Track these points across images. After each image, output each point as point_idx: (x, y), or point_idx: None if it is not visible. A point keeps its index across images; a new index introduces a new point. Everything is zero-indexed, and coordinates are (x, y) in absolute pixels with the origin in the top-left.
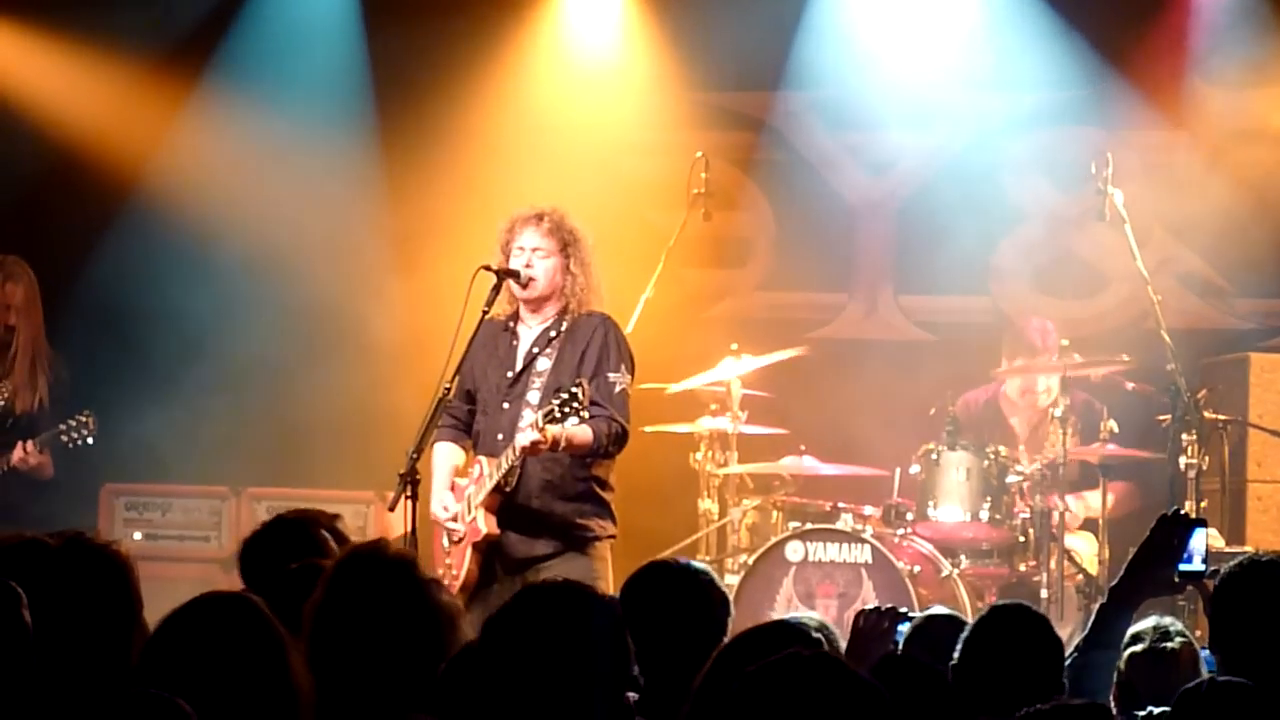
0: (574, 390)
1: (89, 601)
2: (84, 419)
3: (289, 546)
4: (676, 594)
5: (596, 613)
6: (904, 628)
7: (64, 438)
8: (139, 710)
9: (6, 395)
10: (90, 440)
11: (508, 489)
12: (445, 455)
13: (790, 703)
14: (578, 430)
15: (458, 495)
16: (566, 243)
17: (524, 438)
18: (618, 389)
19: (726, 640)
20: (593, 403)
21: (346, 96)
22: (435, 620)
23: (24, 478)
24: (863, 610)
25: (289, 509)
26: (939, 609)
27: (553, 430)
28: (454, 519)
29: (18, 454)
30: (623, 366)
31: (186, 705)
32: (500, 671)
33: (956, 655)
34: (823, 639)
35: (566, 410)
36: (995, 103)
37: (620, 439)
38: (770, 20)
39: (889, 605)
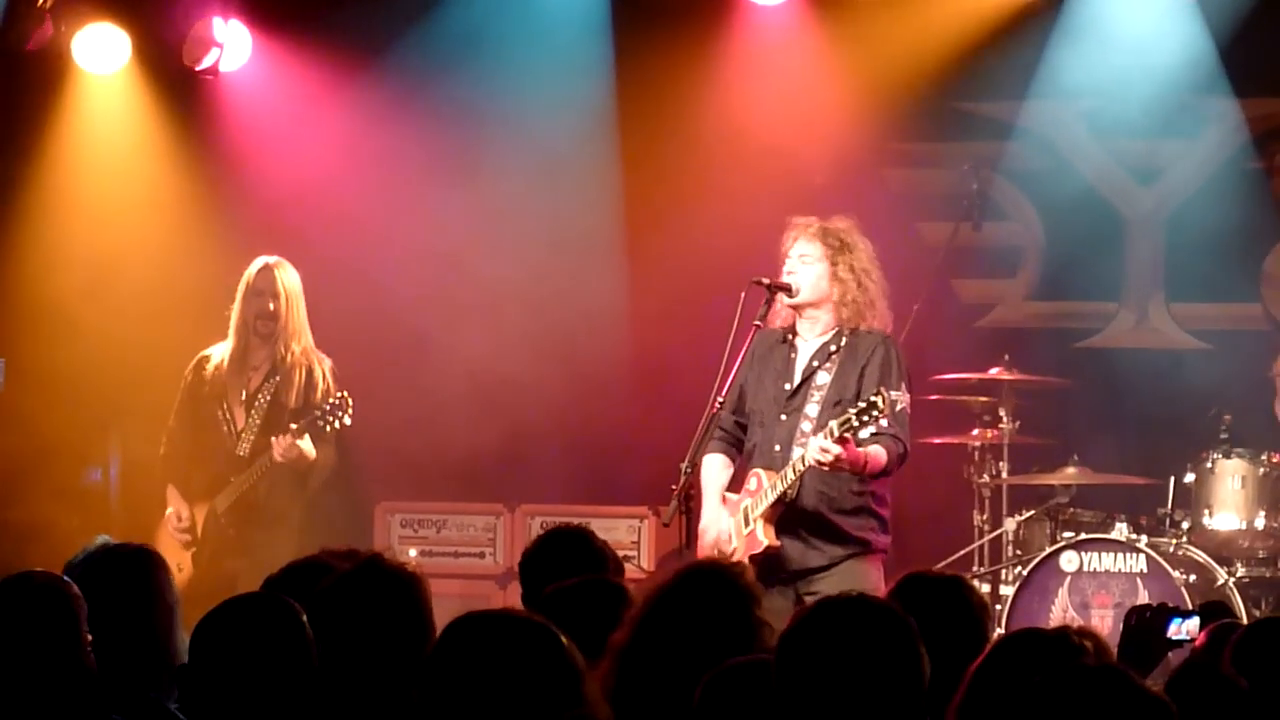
0: (873, 399)
1: (385, 623)
2: (339, 400)
3: (568, 559)
4: (935, 604)
5: (893, 627)
6: (1182, 623)
7: (320, 421)
8: None
9: (273, 388)
10: (347, 420)
11: (789, 499)
12: (714, 468)
13: (1076, 714)
14: (877, 452)
15: (730, 509)
16: (835, 249)
17: (815, 451)
18: (899, 407)
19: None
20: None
21: (589, 95)
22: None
23: (289, 472)
24: (1134, 608)
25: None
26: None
27: (857, 451)
28: (720, 529)
29: (276, 448)
30: (903, 385)
31: None
32: (799, 686)
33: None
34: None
35: (865, 419)
36: (1265, 108)
37: (904, 459)
38: (1038, 27)
39: (1160, 603)
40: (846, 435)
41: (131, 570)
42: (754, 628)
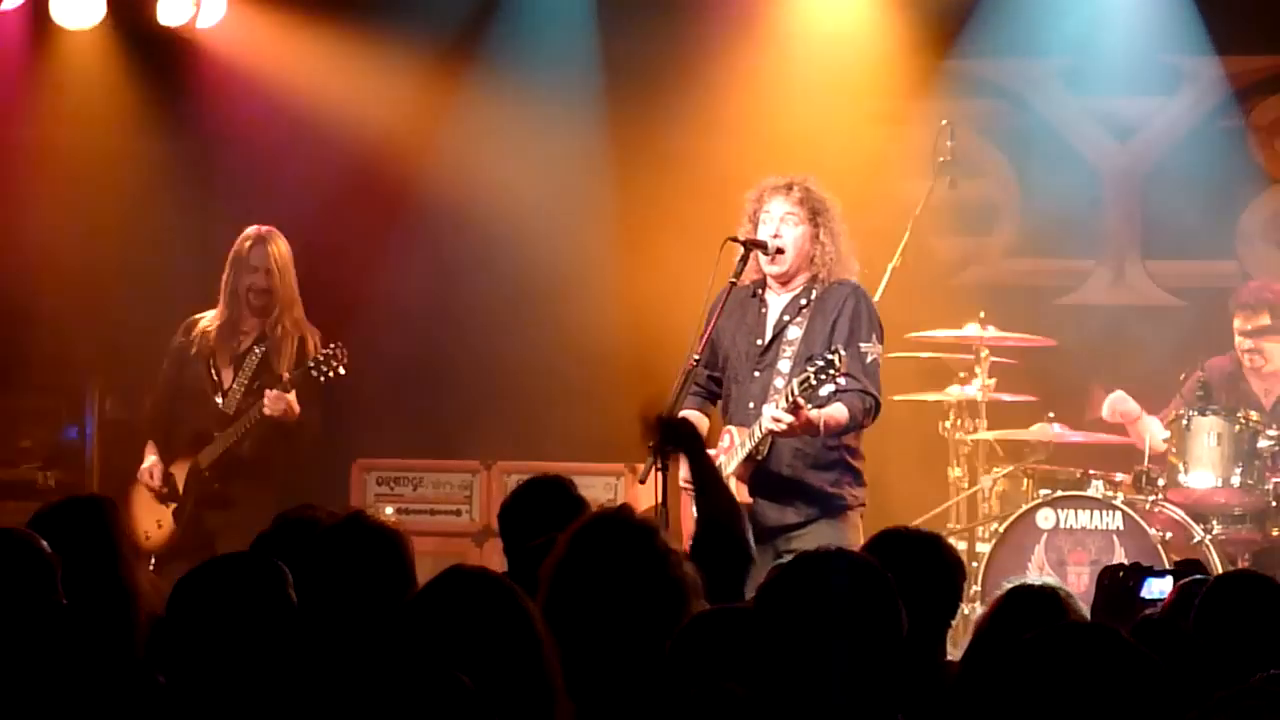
0: (829, 357)
1: (368, 579)
2: (333, 350)
3: (548, 508)
4: (911, 560)
5: (870, 581)
6: (1155, 582)
7: (315, 371)
8: (425, 688)
9: (263, 351)
10: (342, 370)
11: (759, 458)
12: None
13: (1066, 672)
14: (834, 411)
15: None
16: (816, 211)
17: (768, 421)
18: (870, 359)
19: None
20: (846, 374)
21: (579, 78)
22: (675, 591)
23: (276, 428)
24: (1108, 567)
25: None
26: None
27: (812, 414)
28: None
29: (268, 401)
30: (874, 336)
31: (468, 681)
32: (775, 640)
33: (1190, 624)
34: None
35: (822, 378)
36: (1241, 65)
37: (874, 411)
38: None
39: (1134, 562)
40: (802, 400)
41: (87, 517)
42: (666, 582)
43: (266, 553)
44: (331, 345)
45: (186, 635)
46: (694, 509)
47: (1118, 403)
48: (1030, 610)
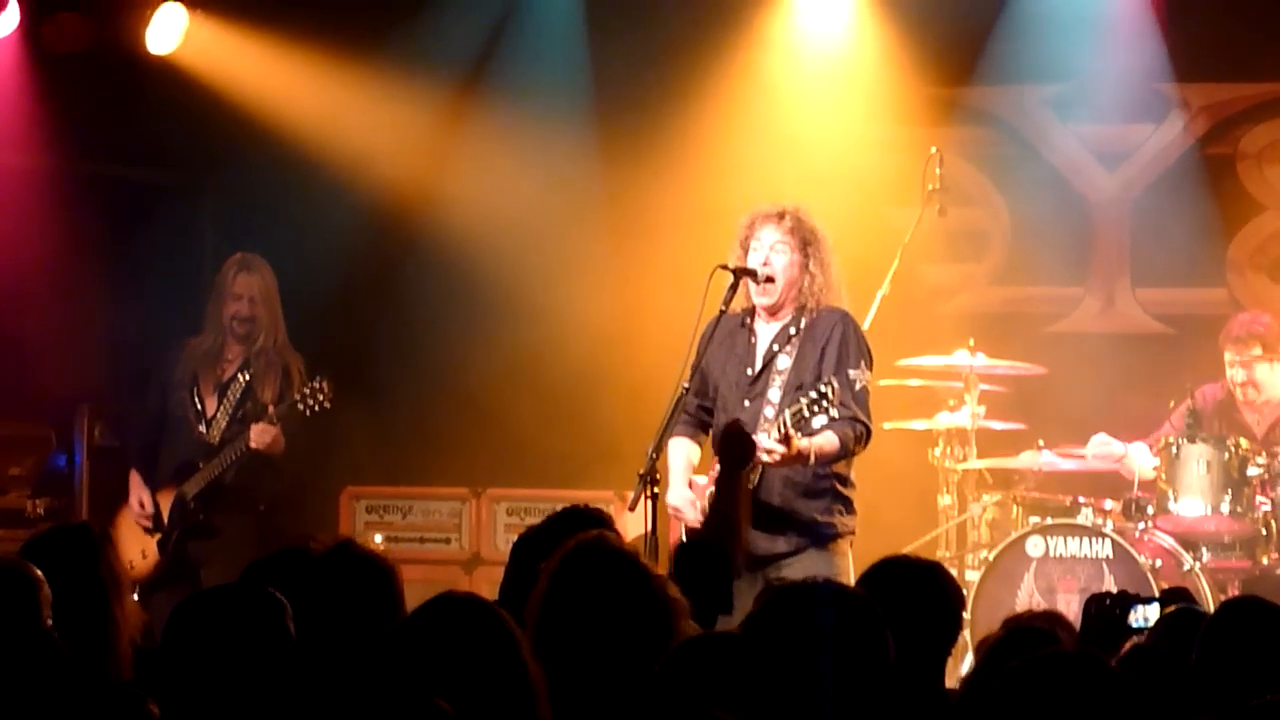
0: (822, 389)
1: (356, 608)
2: (319, 385)
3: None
4: (911, 589)
5: (856, 611)
6: (1141, 610)
7: (300, 405)
8: (402, 713)
9: (247, 379)
10: (327, 405)
11: (750, 487)
12: (681, 450)
13: (1049, 700)
14: (825, 441)
15: (697, 493)
16: (807, 241)
17: (760, 450)
18: (858, 386)
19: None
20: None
21: (574, 107)
22: (661, 614)
23: (260, 459)
24: (1093, 596)
25: (529, 510)
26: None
27: (802, 444)
28: (690, 506)
29: (254, 433)
30: (863, 363)
31: (447, 706)
32: (762, 669)
33: (1194, 652)
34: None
35: (815, 410)
36: (1229, 93)
37: (865, 439)
38: (1004, 13)
39: (1120, 590)
40: (792, 432)
41: (75, 546)
42: (653, 606)
43: (257, 581)
44: (317, 379)
45: (182, 664)
46: (683, 532)
47: (1099, 446)
48: (1028, 643)
